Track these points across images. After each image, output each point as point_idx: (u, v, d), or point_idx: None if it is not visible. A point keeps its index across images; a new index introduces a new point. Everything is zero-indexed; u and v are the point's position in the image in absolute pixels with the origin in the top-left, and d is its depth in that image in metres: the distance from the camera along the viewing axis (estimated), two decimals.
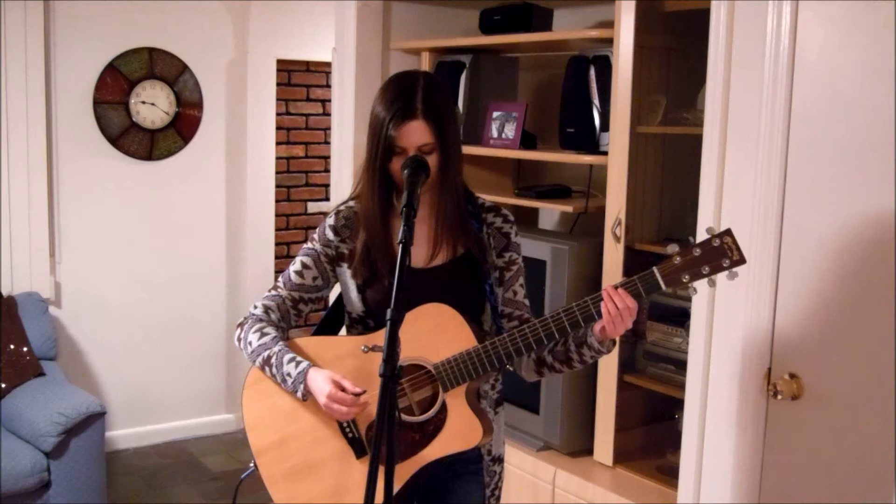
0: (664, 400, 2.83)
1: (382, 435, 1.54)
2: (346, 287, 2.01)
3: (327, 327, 2.15)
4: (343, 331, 2.13)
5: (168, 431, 4.92)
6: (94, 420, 3.59)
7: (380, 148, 1.85)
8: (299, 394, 1.90)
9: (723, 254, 1.73)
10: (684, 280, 1.75)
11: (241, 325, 2.02)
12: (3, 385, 3.78)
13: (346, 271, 1.99)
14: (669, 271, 1.75)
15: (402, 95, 1.85)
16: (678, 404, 2.65)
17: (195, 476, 4.48)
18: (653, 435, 2.98)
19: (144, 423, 4.84)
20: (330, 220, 2.01)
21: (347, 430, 1.94)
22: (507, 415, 3.05)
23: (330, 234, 2.00)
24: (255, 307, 2.03)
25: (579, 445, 2.97)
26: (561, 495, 2.86)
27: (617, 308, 1.76)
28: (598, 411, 2.89)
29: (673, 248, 1.75)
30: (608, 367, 2.84)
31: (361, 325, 2.01)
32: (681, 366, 2.67)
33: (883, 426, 2.05)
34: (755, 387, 2.29)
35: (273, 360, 1.93)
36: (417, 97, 1.85)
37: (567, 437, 2.96)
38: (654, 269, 1.76)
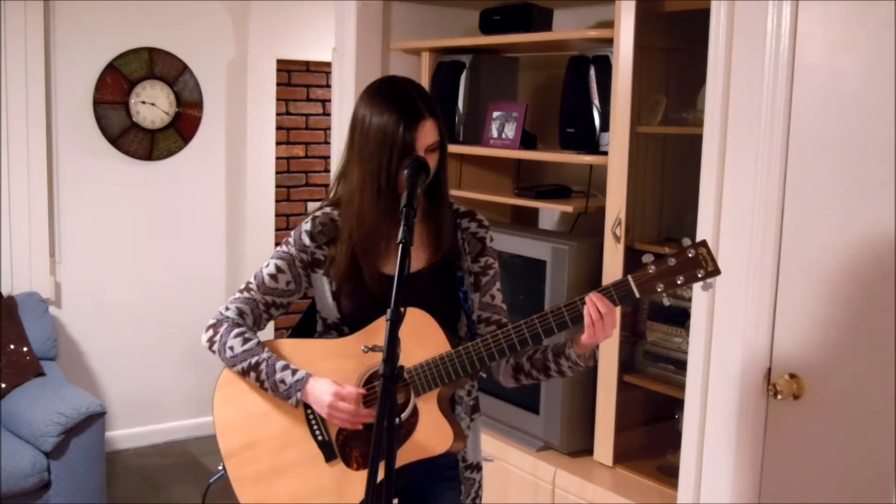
0: (664, 400, 2.83)
1: (381, 435, 1.54)
2: (321, 293, 1.99)
3: (302, 332, 2.12)
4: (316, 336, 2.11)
5: (168, 431, 4.92)
6: (94, 420, 3.60)
7: (394, 153, 1.82)
8: (292, 401, 1.90)
9: (697, 264, 1.74)
10: (658, 289, 1.76)
11: (213, 326, 1.99)
12: (3, 385, 3.78)
13: (321, 277, 1.97)
14: (643, 280, 1.77)
15: (405, 99, 1.85)
16: (678, 404, 2.65)
17: (195, 476, 4.48)
18: (653, 435, 2.98)
19: (144, 423, 4.84)
20: (306, 226, 1.98)
21: (318, 433, 1.93)
22: (506, 415, 3.07)
23: (306, 240, 1.97)
24: (227, 309, 1.99)
25: (579, 445, 2.97)
26: (561, 495, 2.86)
27: (599, 313, 1.76)
28: (598, 411, 2.89)
29: (648, 258, 1.77)
30: (608, 367, 2.84)
31: (336, 332, 1.99)
32: (681, 366, 2.67)
33: (883, 426, 2.05)
34: (755, 387, 2.29)
35: (263, 366, 1.92)
36: (418, 98, 1.86)
37: (567, 437, 2.96)
38: (629, 276, 1.78)
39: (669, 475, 2.72)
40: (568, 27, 3.42)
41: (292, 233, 2.01)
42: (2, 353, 3.83)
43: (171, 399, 4.92)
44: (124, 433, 4.78)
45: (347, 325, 1.96)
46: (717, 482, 2.40)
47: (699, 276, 1.74)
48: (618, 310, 1.84)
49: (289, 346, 1.99)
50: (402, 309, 1.58)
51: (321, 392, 1.86)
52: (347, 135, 1.93)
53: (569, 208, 3.05)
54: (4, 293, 4.18)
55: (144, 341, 4.79)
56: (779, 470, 2.28)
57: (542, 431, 3.00)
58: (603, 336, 1.79)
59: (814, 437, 2.20)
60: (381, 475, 1.55)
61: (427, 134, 1.84)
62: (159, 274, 4.80)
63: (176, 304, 4.86)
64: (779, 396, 2.21)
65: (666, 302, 1.81)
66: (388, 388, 1.55)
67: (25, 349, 3.93)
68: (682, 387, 2.56)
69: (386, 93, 1.88)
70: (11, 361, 3.85)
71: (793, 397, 2.22)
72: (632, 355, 2.89)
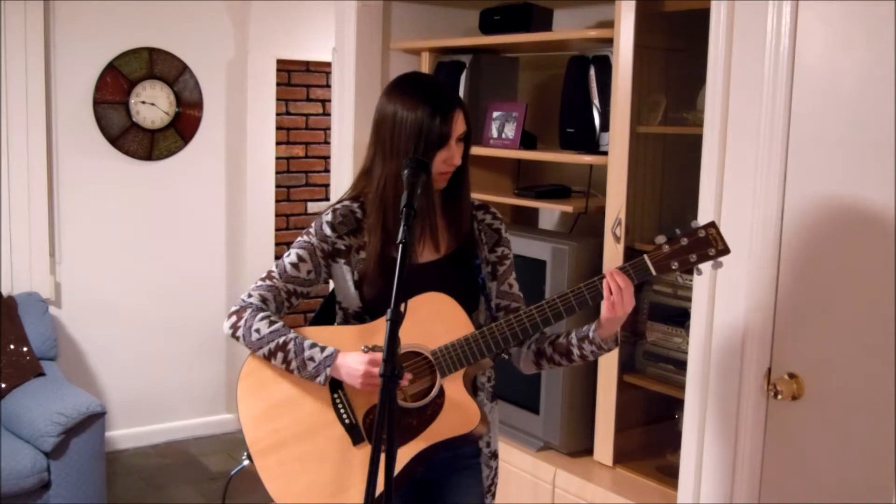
0: (664, 400, 2.83)
1: (382, 433, 1.54)
2: (342, 282, 2.02)
3: (320, 323, 2.14)
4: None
5: (168, 431, 4.92)
6: (94, 420, 3.59)
7: (429, 145, 1.88)
8: (321, 377, 1.90)
9: (708, 244, 1.84)
10: (673, 267, 1.85)
11: (236, 312, 1.99)
12: (3, 385, 3.78)
13: (342, 266, 2.00)
14: (659, 258, 1.85)
15: (434, 91, 1.92)
16: (678, 404, 2.65)
17: (195, 476, 4.48)
18: (653, 435, 2.98)
19: (144, 423, 4.84)
20: (327, 217, 2.02)
21: (345, 416, 1.95)
22: (506, 415, 3.07)
23: (327, 230, 2.00)
24: (250, 296, 2.00)
25: (579, 445, 2.97)
26: (561, 495, 2.86)
27: (619, 287, 1.83)
28: (598, 411, 2.89)
29: (661, 239, 1.86)
30: (608, 367, 2.84)
31: (358, 321, 2.02)
32: (681, 366, 2.67)
33: (883, 426, 2.06)
34: (755, 387, 2.29)
35: (291, 345, 1.93)
36: (446, 90, 1.95)
37: (567, 437, 2.96)
38: (645, 256, 1.87)
39: (669, 475, 2.73)
40: (568, 27, 3.43)
41: (312, 224, 2.05)
42: (2, 353, 3.83)
43: (171, 399, 4.91)
44: (124, 433, 4.78)
45: (369, 313, 1.99)
46: (717, 482, 2.40)
47: (711, 254, 1.84)
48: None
49: (312, 332, 2.00)
50: (402, 308, 1.60)
51: (353, 363, 1.88)
52: (372, 132, 1.98)
53: (569, 208, 3.05)
54: (4, 293, 4.18)
55: (144, 341, 4.79)
56: (779, 470, 2.28)
57: (542, 431, 3.00)
58: (622, 311, 1.85)
59: (814, 437, 2.20)
60: (390, 479, 1.57)
61: (459, 124, 1.93)
62: (159, 274, 4.80)
63: (176, 303, 4.86)
64: (779, 396, 2.21)
65: (679, 279, 1.85)
66: (389, 387, 1.56)
67: (25, 349, 3.93)
68: (682, 387, 2.56)
69: (413, 88, 1.93)
70: (11, 361, 3.85)
71: (792, 397, 2.22)
72: (632, 355, 2.89)
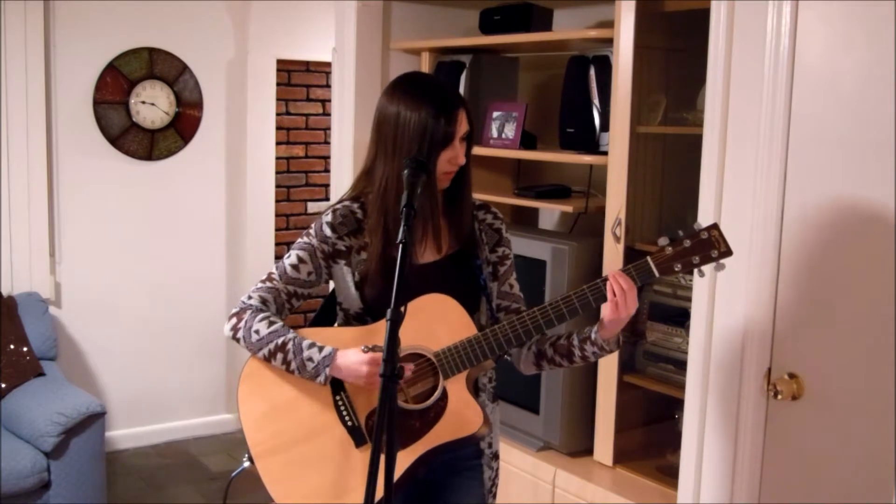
0: (664, 400, 2.83)
1: (382, 434, 1.54)
2: (343, 283, 2.01)
3: (320, 324, 2.14)
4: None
5: (168, 431, 4.92)
6: (94, 420, 3.59)
7: (434, 145, 1.87)
8: (321, 377, 1.89)
9: (711, 245, 1.84)
10: (676, 269, 1.85)
11: (236, 314, 1.98)
12: (3, 385, 3.78)
13: (342, 267, 2.00)
14: (662, 260, 1.85)
15: (437, 91, 1.92)
16: (678, 404, 2.65)
17: (195, 476, 4.48)
18: (653, 435, 2.98)
19: (144, 423, 4.84)
20: (327, 218, 2.01)
21: (347, 418, 1.94)
22: (506, 415, 3.07)
23: (327, 231, 1.99)
24: (250, 297, 2.00)
25: (579, 445, 2.97)
26: (561, 495, 2.86)
27: (622, 289, 1.83)
28: (598, 411, 2.89)
29: (664, 241, 1.86)
30: (608, 367, 2.84)
31: (359, 323, 2.01)
32: (681, 366, 2.67)
33: (883, 426, 2.06)
34: (755, 387, 2.29)
35: (290, 346, 1.92)
36: (449, 89, 1.95)
37: (567, 437, 2.96)
38: (648, 258, 1.87)
39: (669, 475, 2.73)
40: (568, 27, 3.43)
41: (312, 225, 2.03)
42: (2, 353, 3.83)
43: (171, 399, 4.92)
44: (124, 433, 4.78)
45: (371, 314, 1.98)
46: (717, 482, 2.40)
47: (713, 256, 1.84)
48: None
49: (313, 333, 2.00)
50: (402, 308, 1.60)
51: (354, 363, 1.87)
52: (373, 132, 1.97)
53: (569, 208, 3.05)
54: (4, 293, 4.18)
55: (144, 341, 4.79)
56: (779, 470, 2.28)
57: (542, 431, 3.00)
58: (626, 312, 1.86)
59: (814, 437, 2.20)
60: (390, 480, 1.56)
61: (463, 123, 1.92)
62: (159, 274, 4.80)
63: (176, 303, 4.86)
64: (779, 396, 2.21)
65: (680, 280, 1.84)
66: (388, 387, 1.55)
67: (25, 349, 3.93)
68: (682, 387, 2.56)
69: (415, 87, 1.93)
70: (11, 361, 3.85)
71: (792, 397, 2.22)
72: (632, 355, 2.89)
